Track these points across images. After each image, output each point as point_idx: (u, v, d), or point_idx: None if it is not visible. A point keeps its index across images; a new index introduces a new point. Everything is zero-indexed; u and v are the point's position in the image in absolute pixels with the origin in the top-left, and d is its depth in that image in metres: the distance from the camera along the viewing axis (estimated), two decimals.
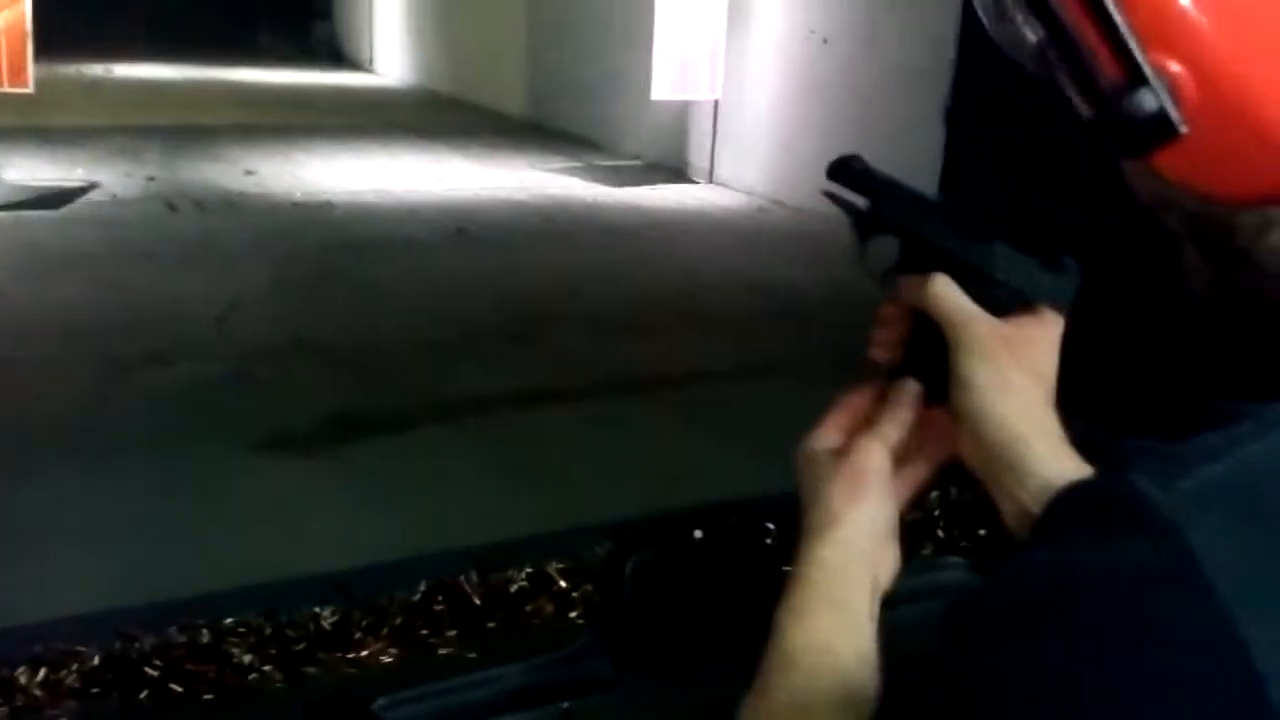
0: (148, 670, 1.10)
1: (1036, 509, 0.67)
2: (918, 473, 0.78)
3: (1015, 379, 0.73)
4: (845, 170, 0.82)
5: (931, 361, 0.75)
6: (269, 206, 7.74)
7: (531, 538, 1.33)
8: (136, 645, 1.13)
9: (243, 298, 5.53)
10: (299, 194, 8.11)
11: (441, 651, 1.10)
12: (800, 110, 8.50)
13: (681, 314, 5.70)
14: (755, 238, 7.66)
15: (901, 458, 0.77)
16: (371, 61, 17.43)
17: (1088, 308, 0.75)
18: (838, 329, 5.55)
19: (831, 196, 0.83)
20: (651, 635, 0.93)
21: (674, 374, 4.80)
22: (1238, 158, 0.53)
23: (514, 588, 1.19)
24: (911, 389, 0.77)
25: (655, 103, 9.14)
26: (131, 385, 4.39)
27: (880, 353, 0.81)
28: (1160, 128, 0.53)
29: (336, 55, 18.44)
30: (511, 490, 3.60)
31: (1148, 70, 0.54)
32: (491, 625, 1.13)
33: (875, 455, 0.74)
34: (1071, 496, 0.53)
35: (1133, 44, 0.53)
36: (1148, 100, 0.53)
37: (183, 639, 1.13)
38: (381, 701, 0.89)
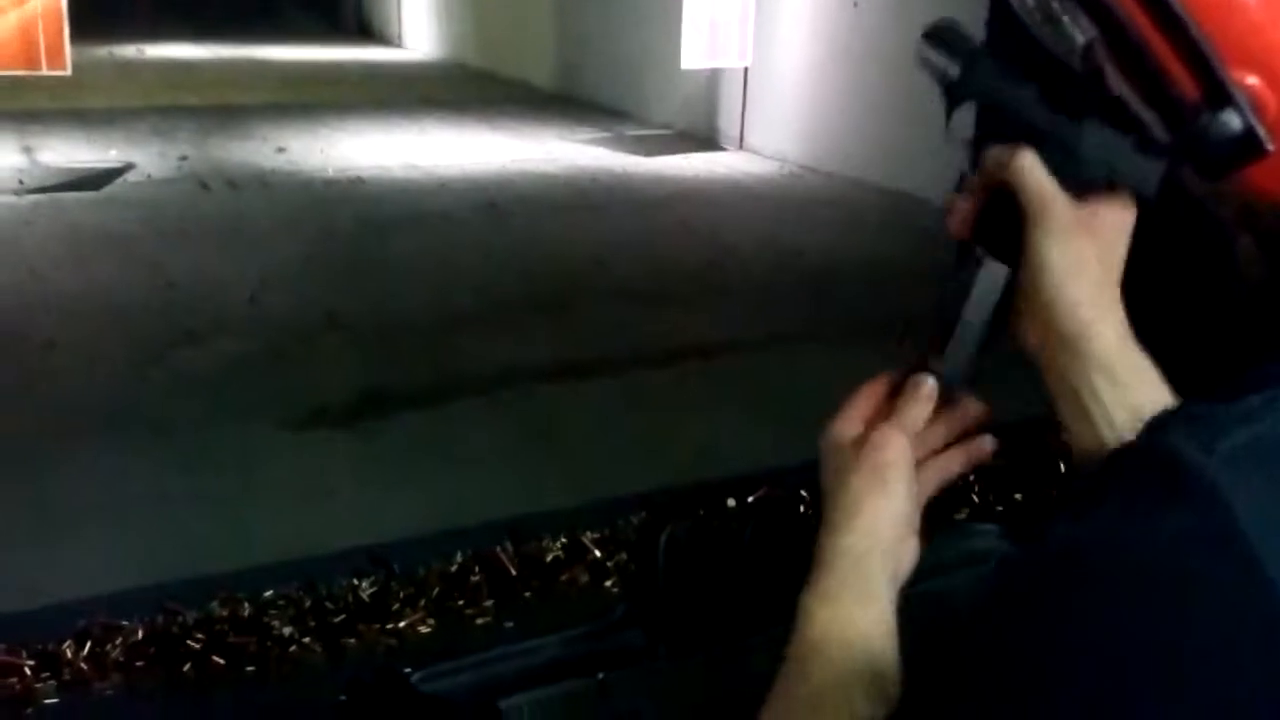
0: (190, 643, 1.12)
1: (1096, 405, 0.68)
2: (947, 465, 0.78)
3: (1092, 266, 0.71)
4: (942, 34, 0.79)
5: (1006, 236, 0.73)
6: (300, 184, 7.77)
7: (565, 509, 1.33)
8: (179, 619, 1.14)
9: (275, 275, 5.56)
10: (330, 171, 8.14)
11: (479, 622, 1.11)
12: (830, 76, 8.43)
13: (712, 284, 5.68)
14: (786, 205, 7.61)
15: (932, 449, 0.77)
16: (400, 36, 17.41)
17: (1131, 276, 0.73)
18: (869, 297, 5.53)
19: (925, 61, 0.79)
20: (686, 608, 0.93)
21: (705, 344, 4.79)
22: None
23: (549, 557, 1.20)
24: (928, 381, 0.76)
25: (685, 71, 9.08)
26: (168, 364, 4.44)
27: (955, 222, 0.77)
28: (1246, 147, 0.51)
29: (365, 30, 18.44)
30: (543, 462, 3.62)
31: (1232, 89, 0.51)
32: (527, 595, 1.14)
33: (895, 446, 0.73)
34: (1115, 460, 0.52)
35: (1214, 62, 0.51)
36: (1233, 121, 0.51)
37: (224, 612, 1.15)
38: (419, 674, 0.90)
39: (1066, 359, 0.71)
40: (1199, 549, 0.45)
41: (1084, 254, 0.71)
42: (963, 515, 1.32)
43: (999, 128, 0.75)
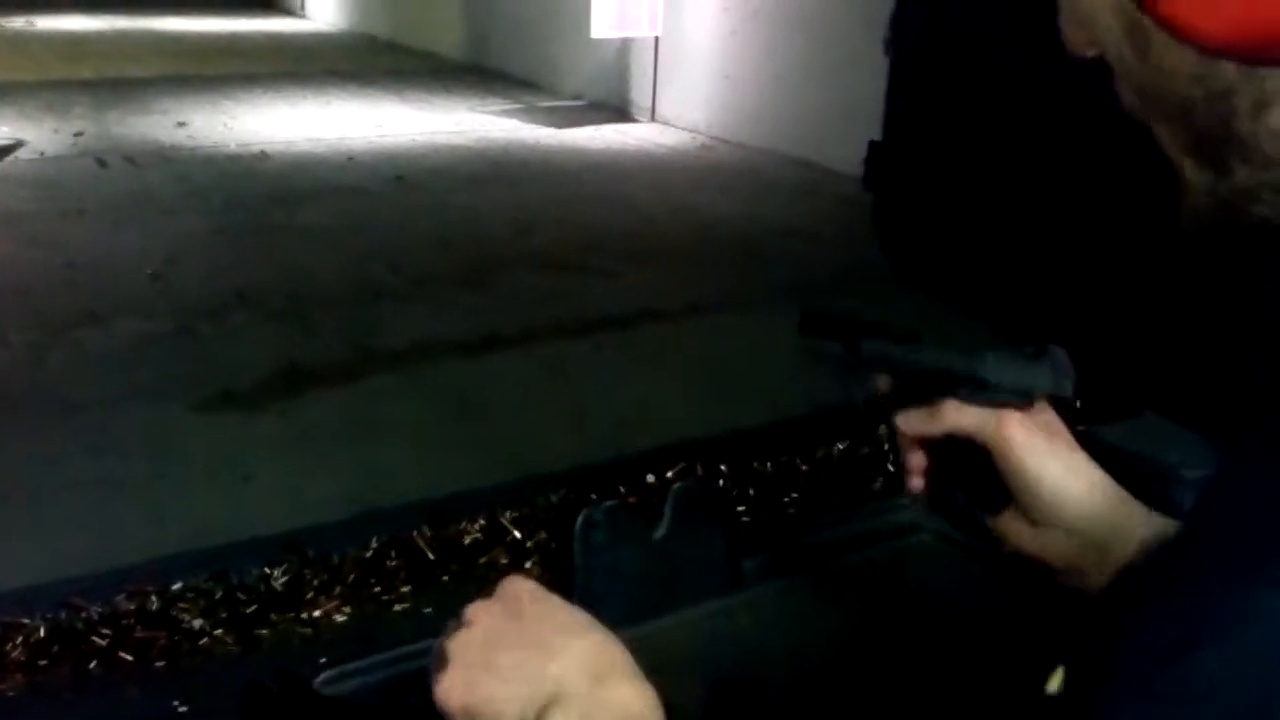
0: (96, 640, 1.08)
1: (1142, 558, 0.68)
2: None
3: (1071, 456, 0.72)
4: (812, 323, 0.82)
5: (972, 477, 0.75)
6: (203, 158, 7.57)
7: (484, 488, 1.32)
8: (84, 615, 1.10)
9: (180, 252, 5.42)
10: (233, 145, 7.93)
11: (397, 608, 1.09)
12: (741, 45, 8.43)
13: (629, 254, 5.67)
14: (699, 175, 7.62)
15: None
16: (303, 6, 17.00)
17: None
18: (785, 264, 5.58)
19: (813, 338, 0.82)
20: (604, 590, 0.93)
21: (624, 314, 4.79)
22: None
23: (468, 540, 1.18)
24: None
25: (595, 41, 9.01)
26: (69, 345, 4.30)
27: (917, 483, 0.79)
28: None
29: (267, 1, 17.98)
30: (463, 438, 3.59)
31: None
32: (446, 579, 1.12)
33: None
34: None
35: None
36: None
37: (131, 606, 1.11)
38: (324, 676, 0.88)
39: (1098, 550, 0.71)
40: None
41: (1064, 451, 0.72)
42: (878, 485, 1.33)
43: (909, 383, 0.77)
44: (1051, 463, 0.72)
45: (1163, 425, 1.12)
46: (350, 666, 0.90)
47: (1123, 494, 0.73)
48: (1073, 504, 0.71)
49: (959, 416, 0.73)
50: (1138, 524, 0.71)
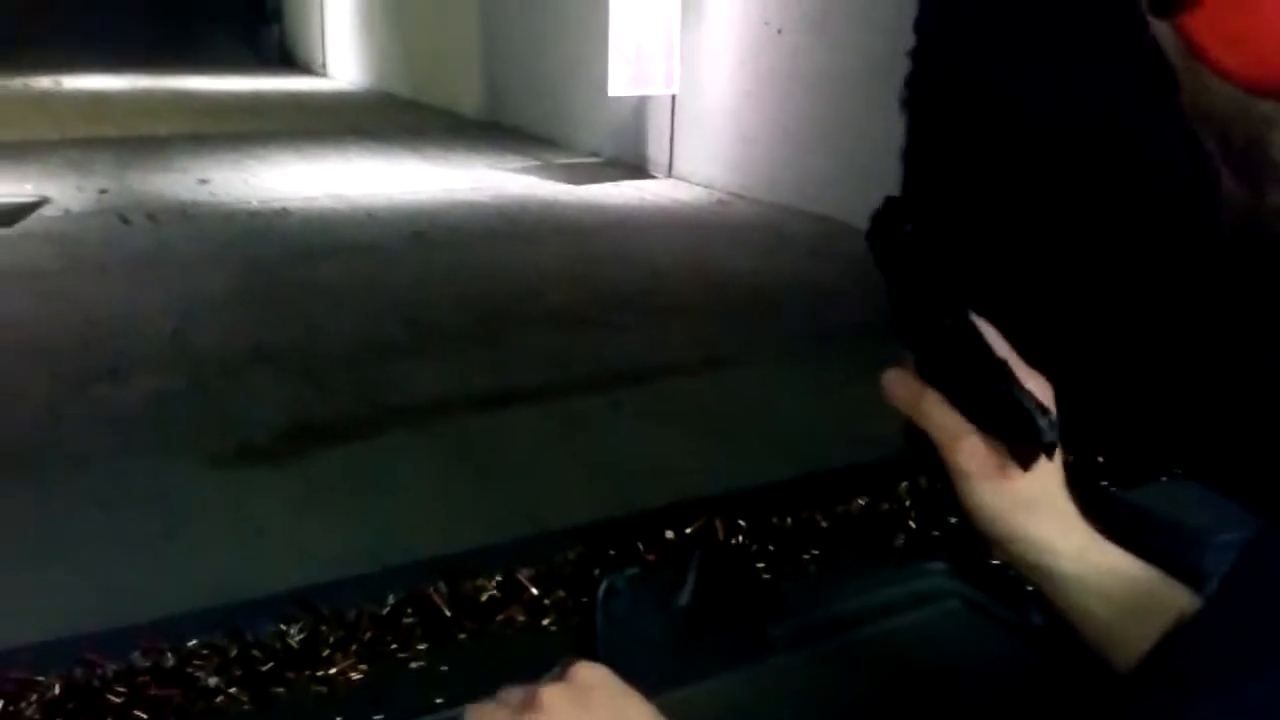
0: (111, 697, 1.07)
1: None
2: None
3: (1022, 489, 0.70)
4: (886, 219, 0.75)
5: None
6: (224, 215, 7.64)
7: (500, 544, 1.31)
8: (98, 672, 1.09)
9: (199, 309, 5.46)
10: (254, 202, 8.02)
11: (413, 666, 1.08)
12: (757, 102, 8.51)
13: (644, 310, 5.68)
14: (715, 231, 7.66)
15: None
16: (324, 65, 17.26)
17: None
18: (800, 319, 5.58)
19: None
20: (627, 659, 0.91)
21: (639, 370, 4.79)
22: (1255, 31, 0.50)
23: (484, 597, 1.17)
24: None
25: (612, 99, 9.11)
26: (87, 401, 4.32)
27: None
28: None
29: (288, 60, 18.26)
30: (478, 495, 3.58)
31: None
32: (463, 637, 1.10)
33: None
34: None
35: None
36: None
37: (146, 664, 1.10)
38: None
39: (1038, 579, 0.72)
40: None
41: (1008, 488, 0.70)
42: (900, 542, 1.32)
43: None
44: (991, 499, 0.71)
45: (1193, 488, 1.10)
46: None
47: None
48: (1000, 532, 0.71)
49: (933, 412, 0.71)
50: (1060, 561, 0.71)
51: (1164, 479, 1.21)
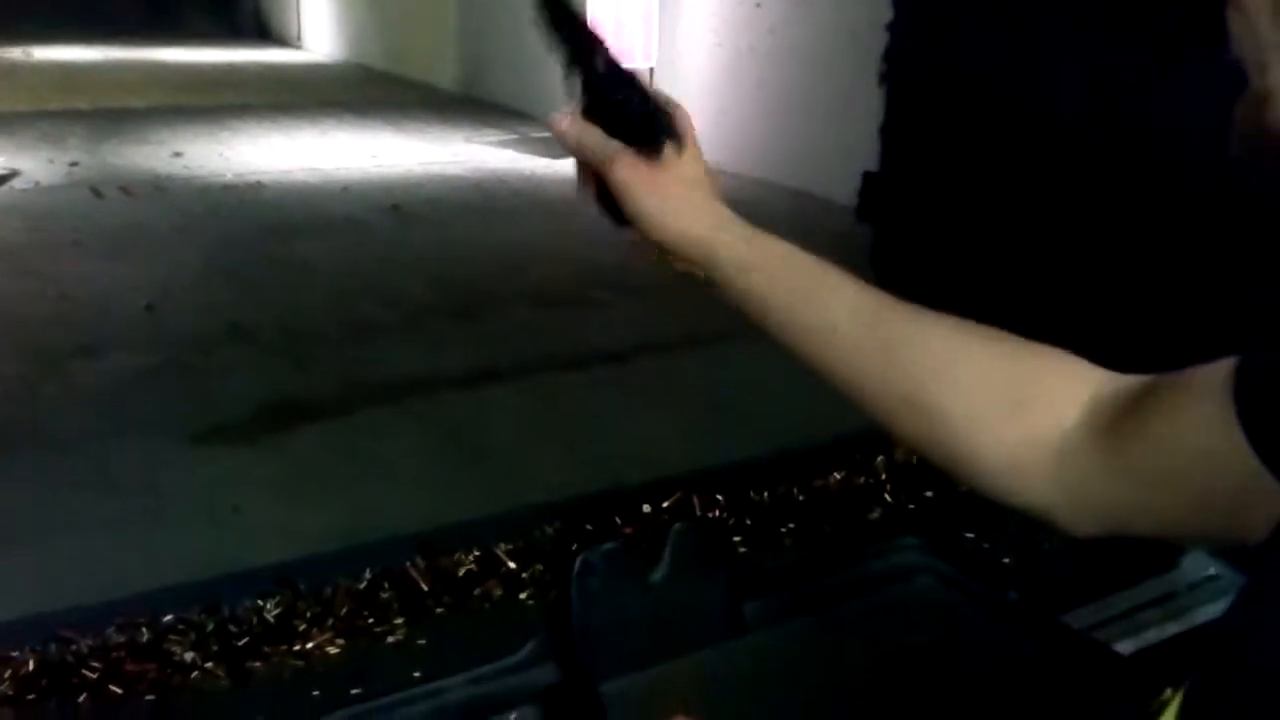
0: (86, 673, 1.07)
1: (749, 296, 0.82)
2: None
3: (675, 195, 0.83)
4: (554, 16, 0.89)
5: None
6: (198, 189, 7.58)
7: (478, 520, 1.31)
8: (73, 647, 1.09)
9: (174, 284, 5.41)
10: (228, 175, 7.95)
11: (390, 640, 1.08)
12: (735, 76, 8.48)
13: (624, 286, 5.67)
14: None
15: None
16: (299, 37, 17.09)
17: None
18: None
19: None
20: (603, 635, 0.91)
21: (619, 347, 4.78)
22: None
23: (462, 571, 1.17)
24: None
25: None
26: (61, 378, 4.28)
27: (586, 192, 0.89)
28: None
29: (264, 32, 18.06)
30: (457, 472, 3.57)
31: None
32: (440, 611, 1.11)
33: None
34: None
35: None
36: None
37: (121, 639, 1.10)
38: None
39: (716, 276, 0.83)
40: None
41: (666, 194, 0.83)
42: (875, 515, 1.33)
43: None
44: (647, 206, 0.84)
45: None
46: (341, 714, 0.88)
47: (709, 218, 0.84)
48: (668, 234, 0.84)
49: (587, 140, 0.84)
50: (719, 249, 0.83)
51: None
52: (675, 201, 0.84)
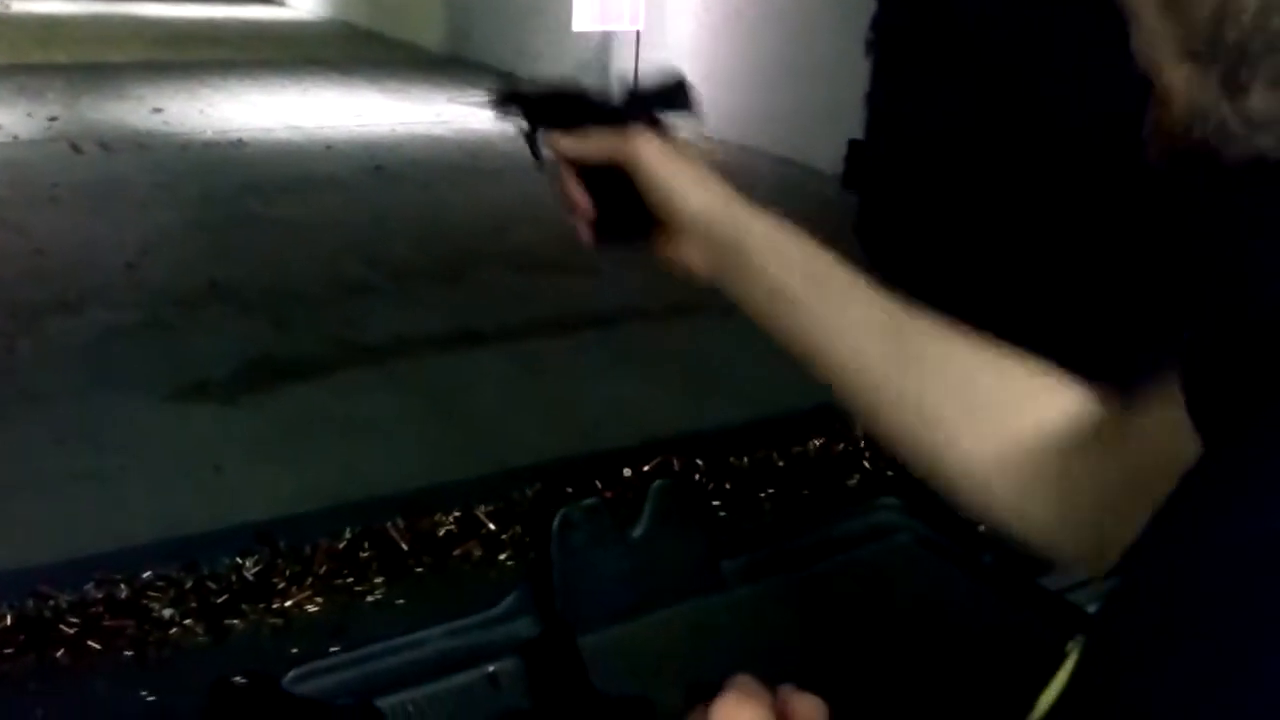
0: (63, 628, 1.07)
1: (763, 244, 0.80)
2: None
3: (695, 168, 0.82)
4: (503, 100, 0.92)
5: (619, 200, 0.84)
6: (178, 146, 7.50)
7: (458, 481, 1.31)
8: (51, 603, 1.09)
9: (154, 241, 5.37)
10: (209, 132, 7.87)
11: (369, 599, 1.08)
12: (722, 41, 8.43)
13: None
14: None
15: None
16: None
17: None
18: None
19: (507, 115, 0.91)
20: (583, 590, 0.92)
21: (604, 312, 4.78)
22: None
23: (442, 532, 1.17)
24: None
25: (577, 34, 8.99)
26: (40, 334, 4.25)
27: (584, 230, 0.90)
28: None
29: None
30: (438, 434, 3.57)
31: None
32: (419, 571, 1.11)
33: None
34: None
35: None
36: None
37: (99, 595, 1.10)
38: (293, 674, 0.87)
39: (733, 251, 0.81)
40: None
41: (689, 166, 0.82)
42: (854, 481, 1.33)
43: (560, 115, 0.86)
44: (678, 174, 0.82)
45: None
46: (321, 664, 0.88)
47: (735, 195, 0.83)
48: (696, 202, 0.81)
49: (599, 139, 0.84)
50: (753, 221, 0.81)
51: None
52: (696, 171, 0.83)
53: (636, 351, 4.40)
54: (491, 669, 0.89)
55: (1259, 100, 0.44)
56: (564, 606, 0.89)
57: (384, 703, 0.86)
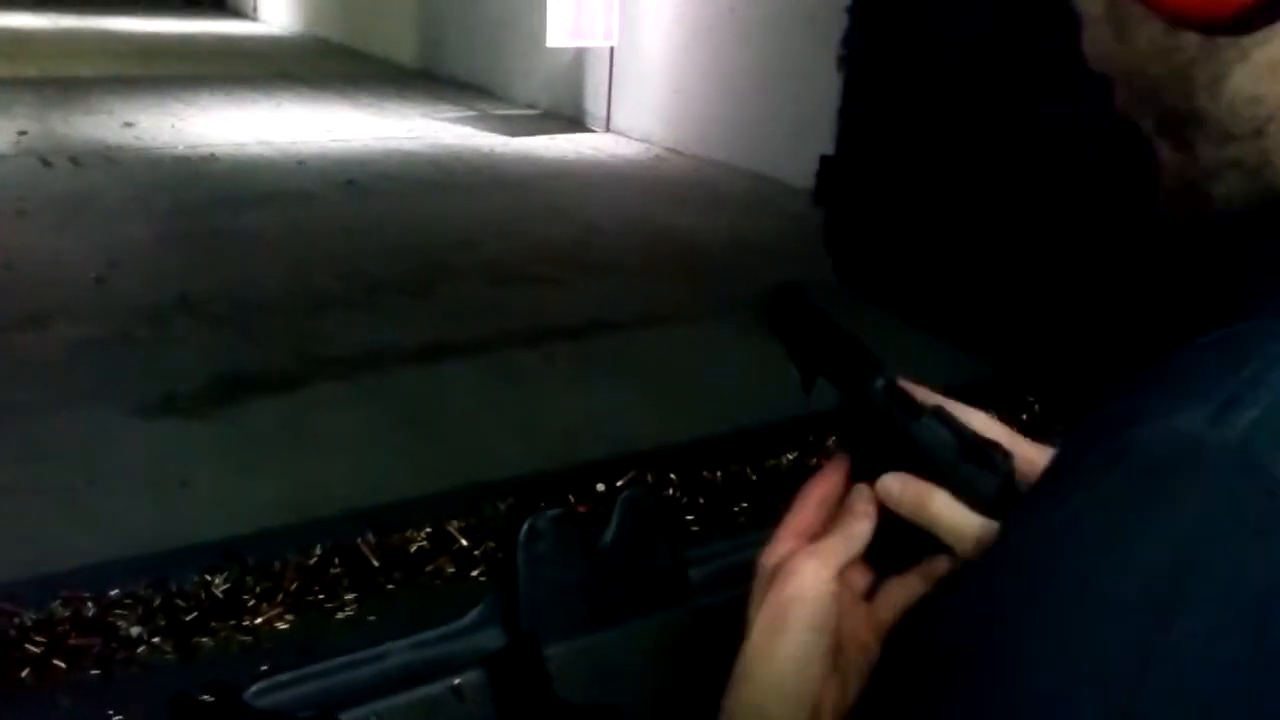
0: (29, 647, 1.06)
1: None
2: (906, 588, 0.65)
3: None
4: (784, 300, 0.75)
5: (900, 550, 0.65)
6: (149, 160, 7.45)
7: (430, 496, 1.30)
8: (16, 621, 1.08)
9: (124, 256, 5.32)
10: (180, 147, 7.82)
11: (340, 616, 1.07)
12: (696, 57, 8.46)
13: (581, 264, 5.66)
14: (653, 186, 7.63)
15: (889, 565, 0.66)
16: (255, 8, 16.83)
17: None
18: (736, 276, 5.59)
19: (775, 325, 0.75)
20: (548, 601, 0.91)
21: (574, 325, 4.77)
22: None
23: (413, 548, 1.16)
24: (867, 495, 0.65)
25: (550, 50, 9.00)
26: (7, 348, 4.20)
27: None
28: None
29: (218, 2, 17.77)
30: (409, 448, 3.55)
31: None
32: (391, 587, 1.10)
33: (804, 579, 0.62)
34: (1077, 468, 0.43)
35: None
36: None
37: (66, 613, 1.09)
38: (255, 688, 0.86)
39: None
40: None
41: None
42: None
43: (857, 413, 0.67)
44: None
45: None
46: (284, 677, 0.87)
47: None
48: None
49: (948, 513, 0.61)
50: None
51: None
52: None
53: (607, 363, 4.40)
54: (456, 681, 0.88)
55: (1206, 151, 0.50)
56: (529, 617, 0.89)
57: (347, 716, 0.85)
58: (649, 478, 1.25)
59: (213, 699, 0.81)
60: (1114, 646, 0.38)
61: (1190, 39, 0.47)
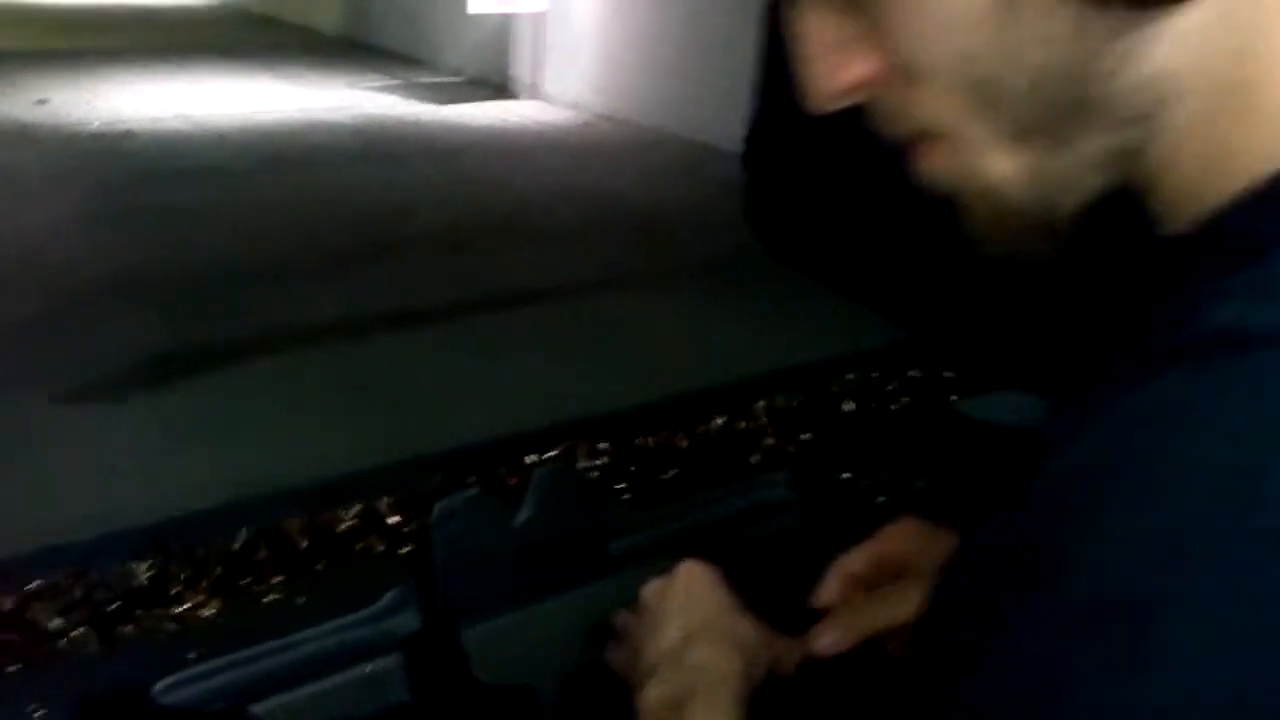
0: None
1: None
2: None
3: None
4: None
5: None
6: (64, 138, 7.26)
7: (357, 472, 1.28)
8: None
9: (44, 235, 5.19)
10: (96, 123, 7.63)
11: (267, 600, 1.05)
12: (624, 22, 8.41)
13: (514, 232, 5.62)
14: (582, 153, 7.59)
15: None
16: None
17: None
18: (669, 240, 5.59)
19: None
20: (466, 580, 0.91)
21: (507, 294, 4.75)
22: None
23: (342, 527, 1.15)
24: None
25: (475, 16, 8.89)
26: None
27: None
28: None
29: None
30: (342, 423, 3.52)
31: None
32: (319, 569, 1.09)
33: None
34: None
35: None
36: None
37: None
38: (162, 684, 0.84)
39: None
40: None
41: None
42: (756, 459, 1.34)
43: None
44: None
45: (1027, 399, 1.14)
46: (193, 671, 0.86)
47: None
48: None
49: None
50: None
51: (1000, 391, 1.25)
52: None
53: (540, 333, 4.38)
54: (371, 667, 0.88)
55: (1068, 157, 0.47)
56: (446, 599, 0.88)
57: (259, 707, 0.84)
58: (579, 449, 1.25)
59: (118, 698, 0.80)
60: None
61: (1107, 19, 0.43)
